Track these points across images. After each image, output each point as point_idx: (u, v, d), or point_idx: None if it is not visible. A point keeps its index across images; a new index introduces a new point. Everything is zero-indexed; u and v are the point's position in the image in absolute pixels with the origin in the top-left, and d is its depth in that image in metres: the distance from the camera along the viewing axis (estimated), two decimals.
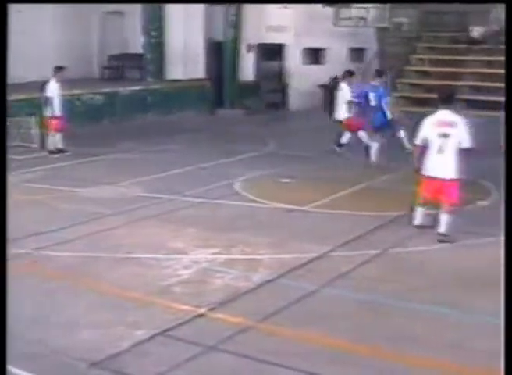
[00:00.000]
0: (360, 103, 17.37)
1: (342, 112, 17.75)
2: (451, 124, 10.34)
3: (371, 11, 28.71)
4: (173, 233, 10.58)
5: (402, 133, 17.16)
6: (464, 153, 10.27)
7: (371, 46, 29.94)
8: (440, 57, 28.01)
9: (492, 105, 21.34)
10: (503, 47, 28.63)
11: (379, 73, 18.20)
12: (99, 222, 11.14)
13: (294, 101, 27.78)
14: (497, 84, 20.00)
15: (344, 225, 11.26)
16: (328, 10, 27.04)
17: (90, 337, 6.98)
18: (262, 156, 17.27)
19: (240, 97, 26.82)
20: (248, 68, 27.63)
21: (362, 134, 17.56)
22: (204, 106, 25.67)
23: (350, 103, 17.64)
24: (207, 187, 13.51)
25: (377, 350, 6.76)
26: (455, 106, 10.76)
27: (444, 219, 10.43)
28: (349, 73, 18.50)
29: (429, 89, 19.69)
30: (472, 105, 22.04)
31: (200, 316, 7.51)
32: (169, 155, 17.20)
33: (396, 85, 27.24)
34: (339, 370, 6.35)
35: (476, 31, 29.32)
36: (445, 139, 10.29)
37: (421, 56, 29.37)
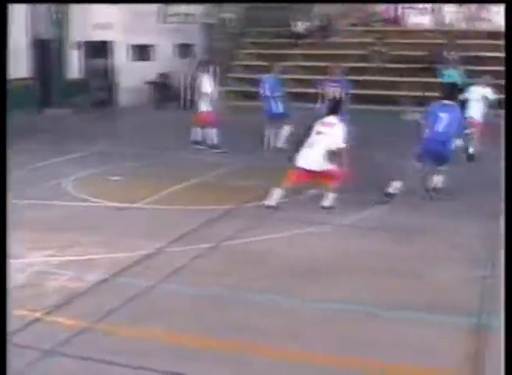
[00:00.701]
0: (260, 93, 18.40)
1: (204, 105, 17.94)
2: (329, 125, 11.94)
3: (199, 7, 28.97)
4: None
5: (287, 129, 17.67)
6: (338, 151, 11.82)
7: (199, 42, 30.19)
8: (265, 51, 28.53)
9: (311, 97, 21.76)
10: (326, 41, 29.66)
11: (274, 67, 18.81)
12: None
13: (123, 98, 27.65)
14: (318, 77, 20.53)
15: (177, 220, 11.35)
16: (155, 7, 27.10)
17: None
18: (91, 155, 17.07)
19: (68, 95, 26.37)
20: (76, 66, 27.22)
21: (213, 132, 17.76)
22: (31, 106, 25.02)
23: (207, 95, 17.89)
24: (36, 188, 13.24)
25: (218, 343, 6.85)
26: (339, 112, 12.50)
27: (327, 195, 11.82)
28: (204, 63, 19.00)
29: (256, 83, 20.00)
30: (294, 97, 22.56)
31: (37, 320, 7.37)
32: None
33: (225, 80, 27.61)
34: (182, 366, 6.37)
35: (300, 26, 30.11)
36: (318, 136, 11.82)
37: (247, 51, 29.84)
